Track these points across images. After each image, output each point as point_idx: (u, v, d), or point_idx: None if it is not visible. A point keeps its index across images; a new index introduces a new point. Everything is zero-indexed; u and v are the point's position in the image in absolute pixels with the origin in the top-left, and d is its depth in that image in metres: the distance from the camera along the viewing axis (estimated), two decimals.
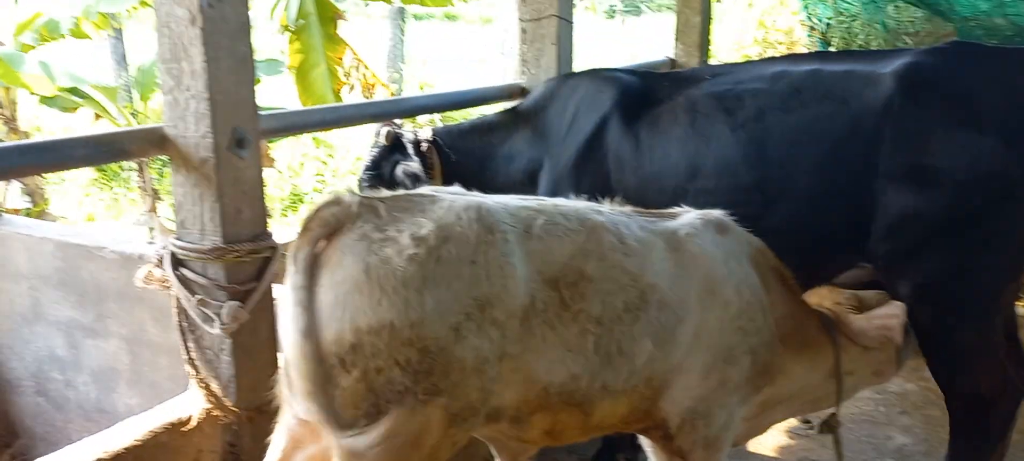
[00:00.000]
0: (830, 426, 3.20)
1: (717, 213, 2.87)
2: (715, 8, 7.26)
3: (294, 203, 11.01)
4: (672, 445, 2.79)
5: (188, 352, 3.00)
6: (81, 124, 10.78)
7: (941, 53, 3.42)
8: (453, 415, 2.25)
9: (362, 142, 11.70)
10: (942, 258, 3.25)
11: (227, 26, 2.77)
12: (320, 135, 11.84)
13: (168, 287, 2.95)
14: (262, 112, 3.10)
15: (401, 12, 20.23)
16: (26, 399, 4.24)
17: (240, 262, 2.88)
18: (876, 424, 4.73)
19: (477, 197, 2.44)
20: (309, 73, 7.93)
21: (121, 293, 3.66)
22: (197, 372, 3.00)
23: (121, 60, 17.27)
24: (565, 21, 4.82)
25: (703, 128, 3.60)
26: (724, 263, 2.73)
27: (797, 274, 3.10)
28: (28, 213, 8.28)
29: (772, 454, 4.39)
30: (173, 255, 2.92)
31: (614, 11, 29.24)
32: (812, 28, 7.48)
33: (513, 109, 4.30)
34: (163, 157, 3.01)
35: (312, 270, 2.21)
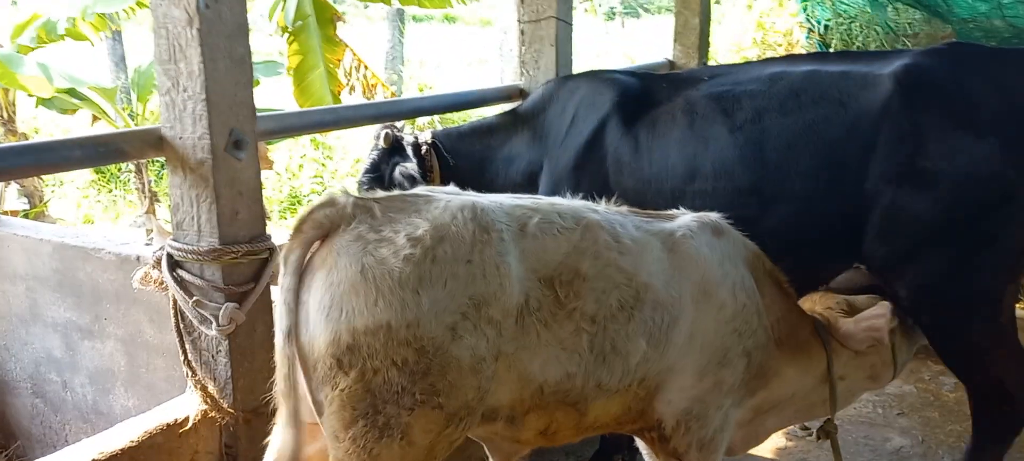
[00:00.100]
0: (827, 432, 3.20)
1: (713, 216, 2.87)
2: (714, 10, 7.26)
3: (292, 205, 11.01)
4: (668, 446, 2.78)
5: (185, 353, 3.00)
6: (79, 126, 10.80)
7: (939, 54, 3.41)
8: (450, 414, 2.25)
9: (361, 144, 11.71)
10: (941, 260, 3.24)
11: (224, 27, 2.76)
12: (319, 137, 11.85)
13: (165, 288, 2.95)
14: (260, 113, 3.10)
15: (400, 14, 20.23)
16: (23, 400, 4.23)
17: (237, 263, 2.87)
18: (874, 426, 4.73)
19: (472, 196, 2.44)
20: (307, 75, 7.93)
21: (118, 295, 3.66)
22: (194, 373, 3.00)
23: (120, 62, 17.28)
24: (564, 23, 4.82)
25: (701, 130, 3.59)
26: (719, 265, 2.73)
27: (794, 276, 3.10)
28: (26, 215, 8.28)
29: (771, 456, 4.39)
30: (170, 256, 2.91)
31: (614, 13, 29.25)
32: (811, 30, 7.47)
33: (512, 111, 4.30)
34: (161, 159, 3.00)
35: (302, 272, 2.22)
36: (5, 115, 8.65)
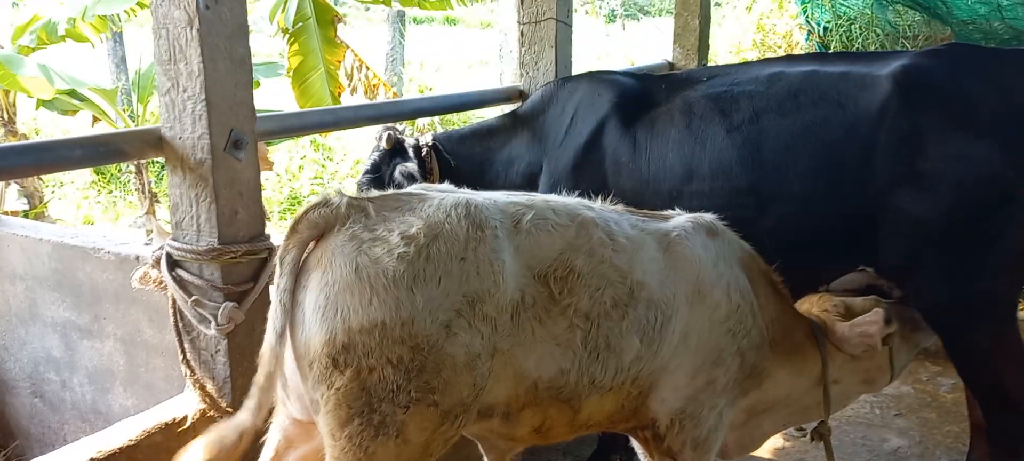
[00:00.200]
0: (821, 434, 3.20)
1: (708, 216, 2.87)
2: (714, 12, 7.27)
3: (292, 206, 11.01)
4: (661, 445, 2.79)
5: (184, 353, 3.00)
6: (80, 127, 10.81)
7: (938, 55, 3.41)
8: (445, 412, 2.25)
9: (361, 146, 11.71)
10: (941, 262, 3.24)
11: (224, 28, 2.77)
12: (318, 138, 11.85)
13: (164, 288, 2.96)
14: (260, 114, 3.11)
15: (401, 16, 20.25)
16: (22, 400, 4.23)
17: (236, 263, 2.88)
18: (871, 426, 4.73)
19: (466, 194, 2.45)
20: (307, 76, 7.94)
21: (117, 294, 3.66)
22: (193, 373, 3.00)
23: (120, 63, 17.30)
24: (564, 24, 4.83)
25: (699, 130, 3.60)
26: (714, 266, 2.74)
27: (792, 277, 3.10)
28: (26, 215, 8.28)
29: (768, 456, 4.39)
30: (169, 256, 2.92)
31: (614, 15, 29.24)
32: (810, 32, 7.49)
33: (512, 113, 4.31)
34: (161, 159, 3.01)
35: (297, 272, 2.23)
36: (5, 116, 8.65)
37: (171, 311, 2.99)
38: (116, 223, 11.07)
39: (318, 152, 12.26)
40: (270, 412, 2.39)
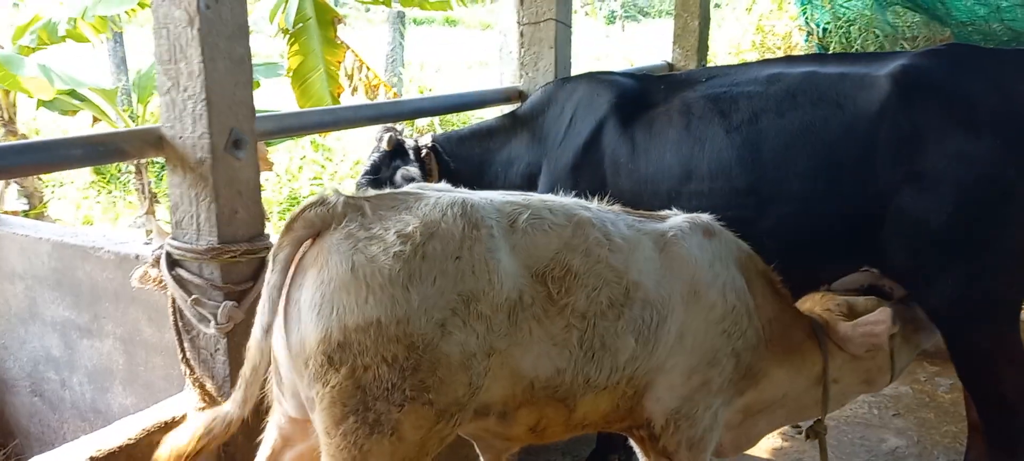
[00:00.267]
0: (816, 432, 3.21)
1: (705, 217, 2.88)
2: (713, 13, 7.28)
3: (292, 206, 11.01)
4: (657, 445, 2.80)
5: (183, 352, 3.01)
6: (80, 127, 10.81)
7: (937, 55, 3.42)
8: (440, 411, 2.26)
9: (361, 146, 11.72)
10: (944, 262, 3.24)
11: (225, 27, 2.78)
12: (318, 139, 11.86)
13: (164, 287, 2.96)
14: (260, 114, 3.11)
15: (401, 17, 20.26)
16: (21, 399, 4.24)
17: (236, 262, 2.88)
18: (870, 426, 4.74)
19: (462, 193, 2.45)
20: (307, 76, 7.95)
21: (117, 293, 3.67)
22: (192, 372, 3.01)
23: (120, 63, 17.31)
24: (563, 25, 4.84)
25: (698, 131, 3.60)
26: (709, 266, 2.74)
27: (792, 277, 3.10)
28: (26, 215, 8.28)
29: (766, 456, 4.40)
30: (169, 255, 2.93)
31: (614, 17, 29.26)
32: (810, 33, 7.50)
33: (511, 114, 4.32)
34: (161, 160, 3.02)
35: (289, 270, 2.24)
36: (5, 116, 8.66)
37: (171, 310, 2.99)
38: (116, 223, 11.07)
39: (318, 153, 12.27)
40: (259, 405, 2.41)
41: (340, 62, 8.29)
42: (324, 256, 2.20)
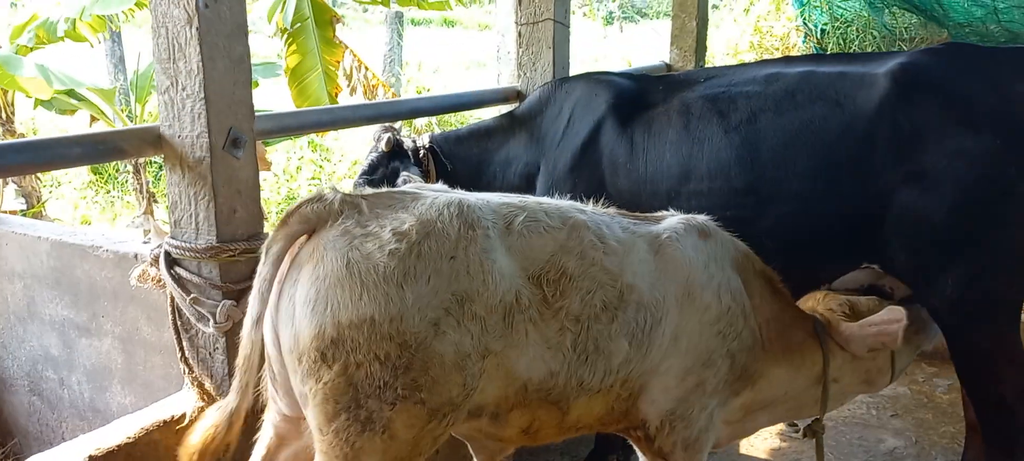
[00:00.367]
0: (814, 431, 3.21)
1: (700, 218, 2.88)
2: (711, 14, 7.29)
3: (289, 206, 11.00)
4: (653, 446, 2.81)
5: (182, 350, 3.01)
6: (78, 127, 10.79)
7: (936, 53, 3.42)
8: (432, 410, 2.26)
9: (359, 147, 11.71)
10: (944, 261, 3.23)
11: (224, 26, 2.78)
12: (316, 139, 11.85)
13: (163, 286, 2.97)
14: (258, 113, 3.12)
15: (399, 17, 20.27)
16: (20, 398, 4.23)
17: (234, 261, 2.89)
18: (867, 427, 4.75)
19: (459, 194, 2.47)
20: (305, 76, 7.95)
21: (115, 292, 3.66)
22: (191, 370, 3.01)
23: (119, 63, 17.29)
24: (561, 25, 4.84)
25: (697, 131, 3.61)
26: (705, 268, 2.75)
27: (792, 277, 3.10)
28: (24, 215, 8.27)
29: (765, 457, 4.41)
30: (168, 254, 2.93)
31: (612, 17, 29.26)
32: (808, 34, 7.51)
33: (509, 114, 4.32)
34: (160, 160, 3.02)
35: (280, 264, 2.26)
36: (3, 116, 8.66)
37: (169, 309, 2.99)
38: (114, 223, 11.06)
39: (316, 153, 12.25)
40: (255, 402, 2.41)
41: (338, 62, 8.29)
42: (320, 252, 2.21)
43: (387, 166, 4.20)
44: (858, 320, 3.04)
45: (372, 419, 2.21)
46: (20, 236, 4.01)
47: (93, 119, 9.02)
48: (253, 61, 3.04)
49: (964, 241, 3.20)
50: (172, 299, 2.96)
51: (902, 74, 3.29)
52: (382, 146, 4.22)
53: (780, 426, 4.45)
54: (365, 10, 25.51)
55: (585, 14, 27.67)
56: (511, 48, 5.03)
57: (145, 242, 3.68)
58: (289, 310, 2.23)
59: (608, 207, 2.81)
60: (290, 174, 11.61)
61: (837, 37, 7.14)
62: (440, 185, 2.59)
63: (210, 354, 2.99)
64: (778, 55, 8.00)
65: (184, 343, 3.01)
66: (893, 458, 4.46)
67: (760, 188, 3.45)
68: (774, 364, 2.95)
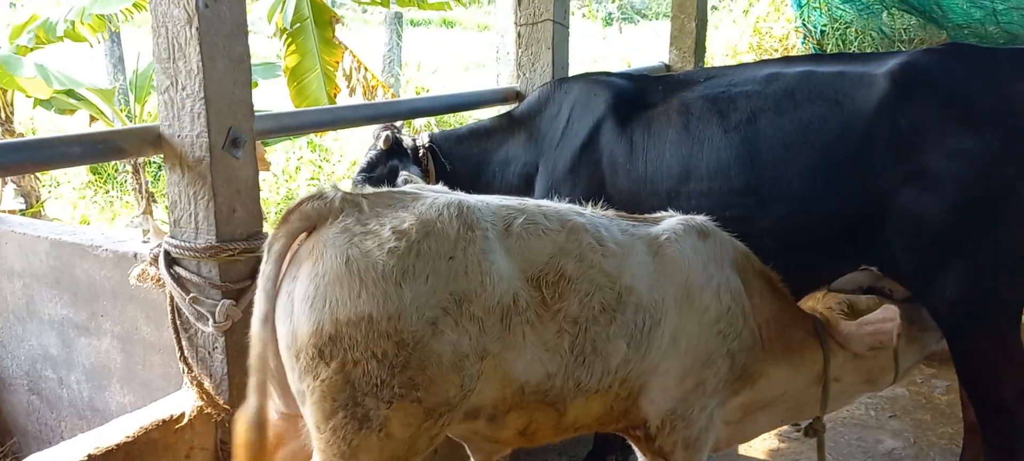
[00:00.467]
0: (815, 430, 3.21)
1: (699, 218, 2.89)
2: (711, 15, 7.30)
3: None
4: (653, 446, 2.82)
5: (181, 350, 3.01)
6: (77, 127, 10.78)
7: (935, 53, 3.42)
8: (429, 409, 2.27)
9: (358, 147, 11.70)
10: (944, 261, 3.23)
11: (223, 26, 2.78)
12: (315, 139, 11.85)
13: (162, 285, 2.97)
14: (258, 113, 3.12)
15: (398, 17, 20.26)
16: (19, 397, 4.23)
17: (234, 261, 2.89)
18: (866, 428, 4.75)
19: (459, 195, 2.47)
20: (304, 76, 7.95)
21: (114, 292, 3.66)
22: (190, 370, 3.01)
23: (118, 63, 17.28)
24: (561, 26, 4.85)
25: (696, 131, 3.61)
26: (704, 268, 2.75)
27: (792, 276, 3.11)
28: (23, 215, 8.27)
29: (764, 457, 4.41)
30: (167, 253, 2.93)
31: (611, 18, 29.26)
32: (807, 35, 7.52)
33: (508, 114, 4.33)
34: (159, 159, 3.03)
35: (282, 261, 2.26)
36: (3, 116, 8.65)
37: (169, 308, 2.99)
38: (113, 223, 11.05)
39: (315, 153, 12.25)
40: None
41: (338, 62, 8.29)
42: (319, 249, 2.21)
43: (386, 164, 4.20)
44: (857, 319, 3.05)
45: (369, 417, 2.21)
46: (19, 235, 4.01)
47: (92, 119, 9.02)
48: (253, 61, 3.04)
49: (964, 241, 3.19)
50: (171, 298, 2.96)
51: (901, 74, 3.29)
52: (381, 144, 4.22)
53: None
54: (364, 11, 25.51)
55: (584, 15, 27.68)
56: (510, 49, 5.03)
57: (144, 241, 3.68)
58: (288, 307, 2.23)
59: (607, 209, 2.81)
60: (289, 174, 11.60)
61: (836, 38, 7.15)
62: (440, 186, 2.60)
63: (209, 353, 2.99)
64: (778, 56, 8.01)
65: (183, 342, 3.01)
66: (891, 459, 4.47)
67: (760, 188, 3.46)
68: (774, 364, 2.96)
